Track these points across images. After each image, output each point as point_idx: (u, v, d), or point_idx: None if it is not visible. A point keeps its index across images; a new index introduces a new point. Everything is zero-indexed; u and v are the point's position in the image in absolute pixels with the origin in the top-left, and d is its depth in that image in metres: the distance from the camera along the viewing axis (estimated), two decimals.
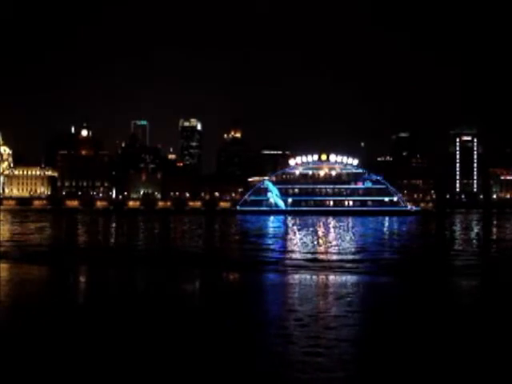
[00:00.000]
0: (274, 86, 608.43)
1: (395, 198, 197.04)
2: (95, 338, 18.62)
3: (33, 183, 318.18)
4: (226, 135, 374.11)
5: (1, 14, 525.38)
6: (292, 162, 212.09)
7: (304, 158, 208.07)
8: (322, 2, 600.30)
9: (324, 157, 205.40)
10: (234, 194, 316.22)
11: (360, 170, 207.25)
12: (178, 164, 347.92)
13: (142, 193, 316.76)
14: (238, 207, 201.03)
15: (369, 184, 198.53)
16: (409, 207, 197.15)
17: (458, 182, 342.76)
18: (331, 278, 33.63)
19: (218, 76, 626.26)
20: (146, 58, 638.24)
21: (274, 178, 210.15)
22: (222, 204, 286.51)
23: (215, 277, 35.02)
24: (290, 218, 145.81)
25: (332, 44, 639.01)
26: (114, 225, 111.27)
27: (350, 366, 15.79)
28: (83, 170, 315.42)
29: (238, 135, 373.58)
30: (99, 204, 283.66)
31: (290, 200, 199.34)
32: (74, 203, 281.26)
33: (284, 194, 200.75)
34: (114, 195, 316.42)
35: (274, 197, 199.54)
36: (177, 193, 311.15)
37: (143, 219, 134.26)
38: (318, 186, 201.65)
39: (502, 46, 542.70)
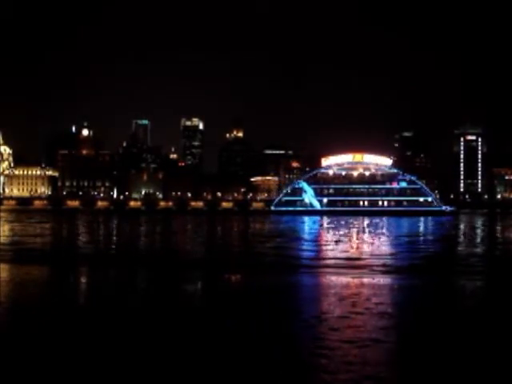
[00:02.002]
0: (276, 85, 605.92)
1: (430, 198, 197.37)
2: (95, 339, 18.35)
3: (33, 183, 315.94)
4: (227, 135, 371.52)
5: (1, 14, 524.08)
6: (326, 162, 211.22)
7: (338, 159, 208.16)
8: (321, 2, 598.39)
9: (358, 157, 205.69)
10: (236, 194, 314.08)
11: (394, 170, 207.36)
12: (180, 164, 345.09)
13: (143, 193, 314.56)
14: (273, 207, 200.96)
15: (404, 184, 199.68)
16: (443, 207, 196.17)
17: (462, 181, 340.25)
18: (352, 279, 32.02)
19: (219, 75, 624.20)
20: (146, 57, 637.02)
21: (307, 178, 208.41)
22: (224, 204, 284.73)
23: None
24: (325, 218, 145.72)
25: (333, 44, 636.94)
26: (115, 225, 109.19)
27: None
28: (84, 170, 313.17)
29: (240, 135, 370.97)
30: (100, 204, 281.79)
31: (325, 200, 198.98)
32: (75, 203, 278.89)
33: (319, 195, 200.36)
34: (115, 195, 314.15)
35: (309, 197, 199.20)
36: (178, 193, 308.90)
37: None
38: (353, 186, 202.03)
39: (506, 45, 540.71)
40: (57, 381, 14.49)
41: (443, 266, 39.96)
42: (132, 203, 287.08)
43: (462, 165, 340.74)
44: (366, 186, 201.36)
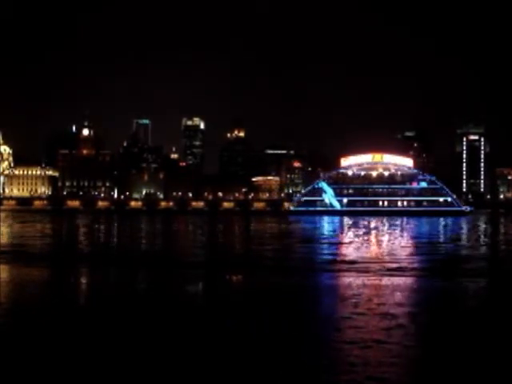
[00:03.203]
0: (276, 85, 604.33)
1: (449, 199, 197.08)
2: (95, 339, 18.15)
3: (33, 183, 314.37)
4: (228, 134, 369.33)
5: (1, 14, 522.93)
6: (345, 162, 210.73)
7: (358, 159, 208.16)
8: (322, 2, 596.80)
9: (378, 157, 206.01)
10: (237, 194, 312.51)
11: (414, 171, 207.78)
12: (181, 164, 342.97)
13: (143, 193, 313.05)
14: (292, 207, 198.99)
15: (424, 184, 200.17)
16: (463, 207, 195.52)
17: (464, 181, 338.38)
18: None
19: (219, 75, 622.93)
20: (147, 56, 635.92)
21: (327, 178, 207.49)
22: (226, 204, 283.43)
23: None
24: (345, 219, 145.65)
25: (334, 42, 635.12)
26: (115, 225, 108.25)
27: None
28: (84, 170, 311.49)
29: (241, 134, 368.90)
30: (100, 204, 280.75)
31: (345, 200, 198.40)
32: (75, 203, 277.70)
33: (339, 195, 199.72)
34: (115, 195, 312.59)
35: (329, 197, 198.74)
36: (179, 193, 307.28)
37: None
38: (374, 187, 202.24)
39: (509, 45, 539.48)
40: (57, 381, 14.40)
41: (451, 267, 38.96)
42: (133, 203, 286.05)
43: (464, 165, 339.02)
44: (386, 186, 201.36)
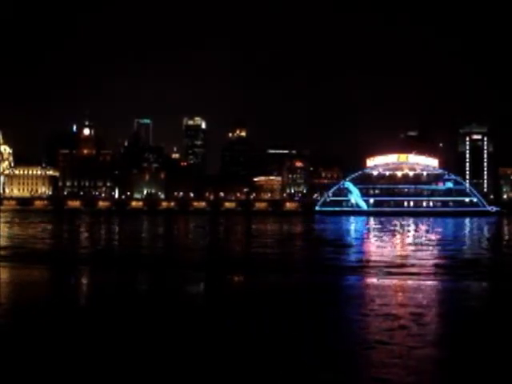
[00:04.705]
0: (277, 85, 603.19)
1: (475, 199, 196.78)
2: (95, 340, 17.94)
3: (34, 183, 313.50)
4: (230, 134, 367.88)
5: (1, 14, 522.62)
6: (371, 162, 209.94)
7: (384, 159, 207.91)
8: (323, 2, 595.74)
9: (403, 157, 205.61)
10: (238, 194, 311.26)
11: (439, 171, 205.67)
12: (182, 163, 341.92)
13: (145, 193, 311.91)
14: (318, 207, 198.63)
15: (449, 184, 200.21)
16: (489, 208, 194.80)
17: (467, 181, 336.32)
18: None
19: (221, 75, 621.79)
20: (147, 56, 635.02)
21: (352, 179, 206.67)
22: (227, 204, 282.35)
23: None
24: (372, 219, 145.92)
25: (334, 42, 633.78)
26: (116, 226, 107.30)
27: None
28: (85, 170, 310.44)
29: (243, 134, 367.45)
30: (101, 204, 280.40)
31: (371, 200, 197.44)
32: (76, 203, 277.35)
33: (364, 195, 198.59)
34: (116, 195, 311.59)
35: (355, 197, 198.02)
36: (180, 193, 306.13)
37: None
38: (399, 187, 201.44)
39: None
40: (57, 381, 14.33)
41: (453, 268, 37.83)
42: (134, 203, 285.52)
43: (467, 164, 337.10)
44: (413, 187, 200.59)
